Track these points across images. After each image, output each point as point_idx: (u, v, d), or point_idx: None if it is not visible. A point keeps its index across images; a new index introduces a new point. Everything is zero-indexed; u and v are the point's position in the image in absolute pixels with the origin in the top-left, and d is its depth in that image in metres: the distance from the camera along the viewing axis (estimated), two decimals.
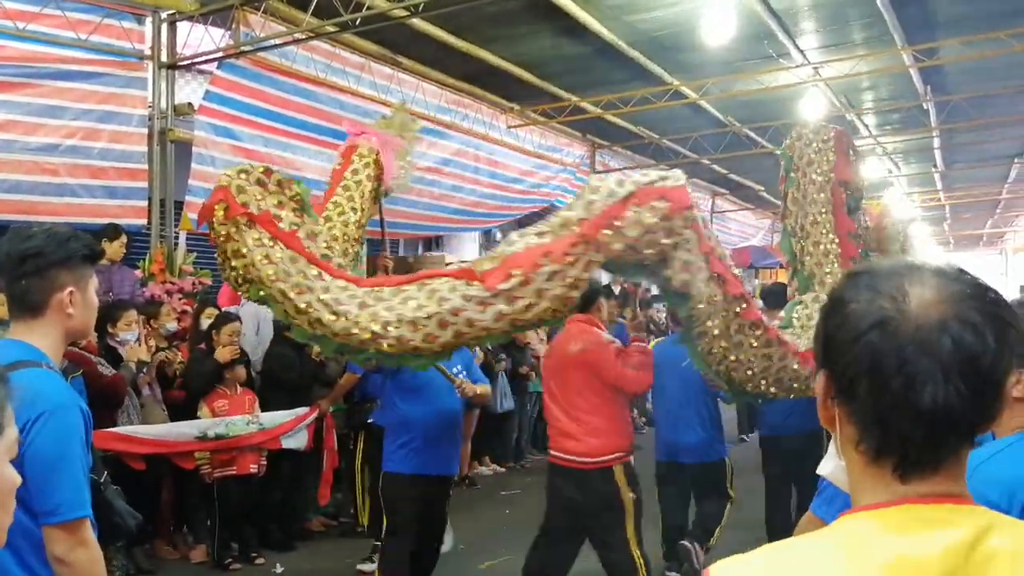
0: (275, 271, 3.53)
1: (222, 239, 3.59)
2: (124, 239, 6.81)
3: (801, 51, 9.75)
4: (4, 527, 1.37)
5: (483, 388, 5.04)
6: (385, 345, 3.39)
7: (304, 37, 8.16)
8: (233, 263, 3.61)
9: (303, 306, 3.48)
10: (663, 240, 3.46)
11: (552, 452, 4.75)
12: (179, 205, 7.71)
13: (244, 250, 3.57)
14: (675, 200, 3.49)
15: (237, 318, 6.54)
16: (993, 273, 31.71)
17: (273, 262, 3.55)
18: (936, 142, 14.90)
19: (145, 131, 7.58)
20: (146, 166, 7.56)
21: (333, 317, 3.44)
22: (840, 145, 4.82)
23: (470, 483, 8.68)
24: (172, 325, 6.42)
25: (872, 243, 5.96)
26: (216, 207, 3.58)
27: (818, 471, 2.37)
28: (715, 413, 5.63)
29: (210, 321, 6.41)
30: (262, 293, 3.61)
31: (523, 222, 14.92)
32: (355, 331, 3.40)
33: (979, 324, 0.96)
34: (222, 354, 6.12)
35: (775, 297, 6.38)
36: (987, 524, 0.96)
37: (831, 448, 1.09)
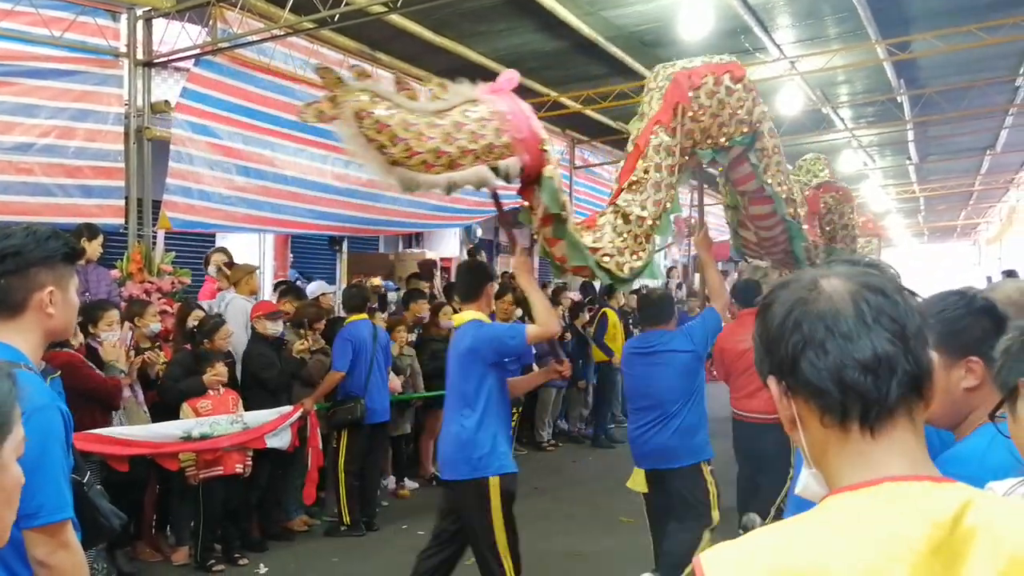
0: None
1: None
2: (102, 239, 6.76)
3: (777, 45, 9.82)
4: (8, 525, 1.35)
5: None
6: None
7: (282, 33, 8.11)
8: None
9: None
10: None
11: (740, 412, 6.05)
12: (156, 204, 7.64)
13: None
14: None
15: (222, 320, 6.51)
16: (966, 263, 32.14)
17: None
18: (910, 135, 15.06)
19: (121, 129, 7.50)
20: (123, 165, 7.48)
21: None
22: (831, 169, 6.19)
23: None
24: (156, 326, 6.37)
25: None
26: None
27: (795, 492, 2.38)
28: None
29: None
30: None
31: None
32: None
33: (885, 288, 1.11)
34: (210, 381, 6.11)
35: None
36: (967, 499, 1.00)
37: (803, 467, 1.16)
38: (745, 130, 4.35)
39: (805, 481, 1.15)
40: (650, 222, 4.20)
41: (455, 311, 8.57)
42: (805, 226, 5.50)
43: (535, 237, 4.18)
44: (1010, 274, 12.50)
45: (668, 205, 4.29)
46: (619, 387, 11.79)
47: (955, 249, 34.54)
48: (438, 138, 3.62)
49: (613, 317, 10.83)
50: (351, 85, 3.63)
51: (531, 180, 3.86)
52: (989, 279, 15.57)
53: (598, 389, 11.05)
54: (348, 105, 3.67)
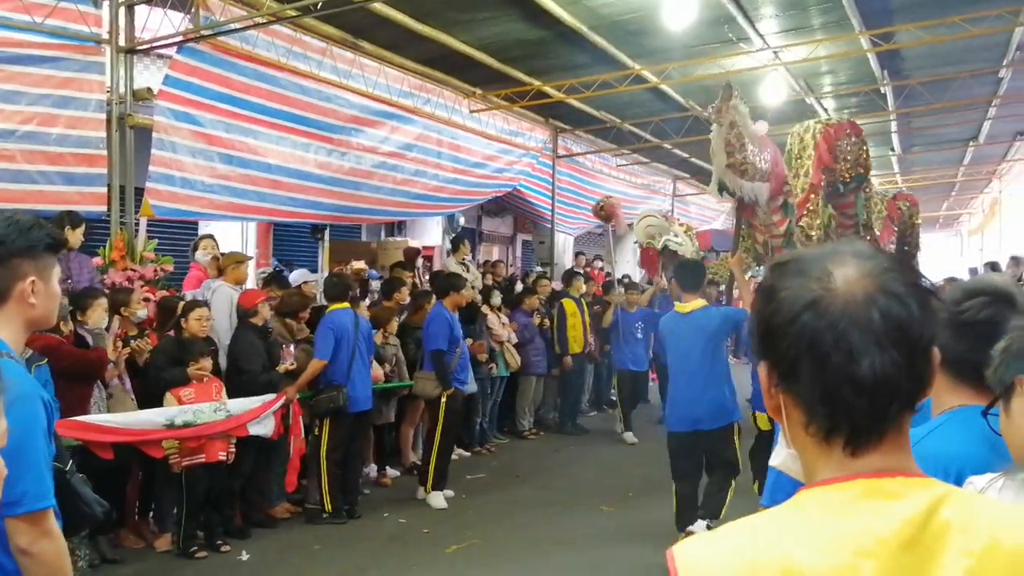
0: None
1: None
2: (84, 227, 6.73)
3: (761, 35, 9.83)
4: None
5: None
6: None
7: (265, 21, 8.07)
8: None
9: None
10: None
11: None
12: (139, 192, 7.60)
13: None
14: None
15: (198, 303, 6.52)
16: (949, 255, 32.37)
17: None
18: (893, 126, 15.13)
19: (103, 116, 7.43)
20: (105, 152, 7.42)
21: None
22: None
23: None
24: (143, 312, 6.37)
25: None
26: None
27: (770, 463, 2.43)
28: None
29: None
30: None
31: (486, 207, 14.97)
32: None
33: (902, 294, 1.03)
34: (195, 375, 6.13)
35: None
36: (940, 496, 1.00)
37: (780, 439, 1.14)
38: (861, 171, 6.30)
39: (783, 456, 1.15)
40: (816, 236, 6.00)
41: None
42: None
43: (757, 241, 6.55)
44: (993, 266, 12.64)
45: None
46: (585, 377, 11.86)
47: (937, 240, 34.75)
48: (754, 154, 5.75)
49: (570, 307, 10.88)
50: (736, 104, 5.60)
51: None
52: (974, 271, 15.71)
53: (564, 379, 11.09)
54: (728, 115, 5.62)
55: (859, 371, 1.00)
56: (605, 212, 9.88)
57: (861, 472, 1.03)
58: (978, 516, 0.99)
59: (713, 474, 6.24)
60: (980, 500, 1.08)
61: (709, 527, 5.88)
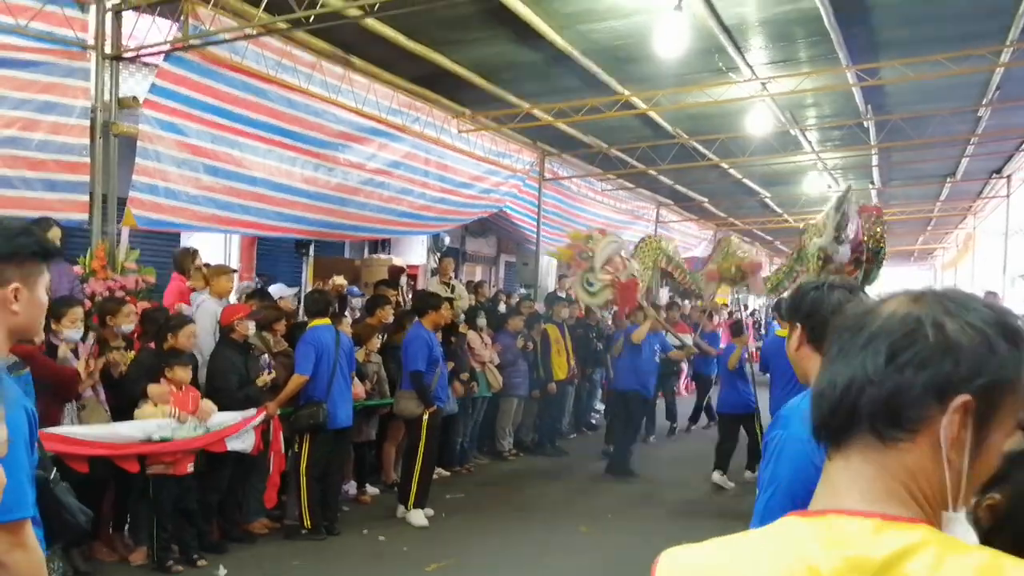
0: None
1: None
2: (58, 232, 6.57)
3: (750, 66, 9.90)
4: None
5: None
6: None
7: (255, 33, 8.02)
8: None
9: None
10: None
11: None
12: (121, 201, 7.51)
13: None
14: None
15: (189, 319, 6.43)
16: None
17: None
18: (874, 159, 15.30)
19: (87, 123, 7.33)
20: (87, 159, 7.32)
21: None
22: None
23: None
24: (129, 326, 6.26)
25: None
26: None
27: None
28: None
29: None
30: None
31: (470, 227, 14.95)
32: None
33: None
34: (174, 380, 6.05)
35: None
36: (910, 546, 0.94)
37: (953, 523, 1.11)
38: (879, 241, 8.74)
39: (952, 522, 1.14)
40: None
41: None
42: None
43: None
44: None
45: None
46: (567, 400, 11.85)
47: (911, 273, 35.11)
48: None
49: (554, 333, 10.93)
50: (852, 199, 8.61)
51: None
52: None
53: (546, 401, 11.07)
54: (845, 205, 8.46)
55: (838, 371, 1.10)
56: (741, 272, 9.54)
57: (836, 508, 1.03)
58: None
59: None
60: (958, 558, 0.94)
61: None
